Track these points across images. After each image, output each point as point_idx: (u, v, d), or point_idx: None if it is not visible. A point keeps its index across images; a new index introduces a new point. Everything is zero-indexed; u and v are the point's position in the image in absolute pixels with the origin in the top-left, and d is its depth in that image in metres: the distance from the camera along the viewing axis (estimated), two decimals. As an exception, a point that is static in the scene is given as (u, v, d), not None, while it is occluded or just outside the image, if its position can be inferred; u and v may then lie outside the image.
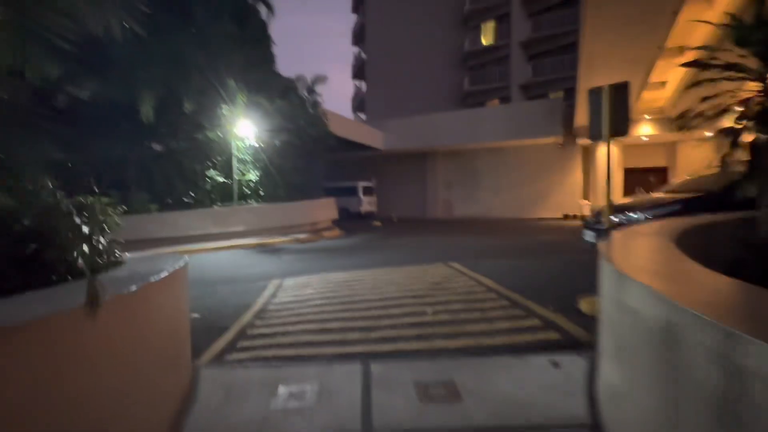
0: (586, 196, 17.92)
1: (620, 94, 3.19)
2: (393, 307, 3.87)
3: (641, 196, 5.52)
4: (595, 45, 10.63)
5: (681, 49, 11.86)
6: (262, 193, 13.11)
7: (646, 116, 15.42)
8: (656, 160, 17.28)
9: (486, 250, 7.78)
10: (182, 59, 10.37)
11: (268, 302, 4.36)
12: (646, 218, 4.58)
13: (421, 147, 20.16)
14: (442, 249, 8.26)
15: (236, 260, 7.98)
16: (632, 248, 2.39)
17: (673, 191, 5.46)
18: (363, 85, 32.08)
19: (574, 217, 16.33)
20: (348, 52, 42.30)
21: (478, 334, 3.05)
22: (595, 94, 3.35)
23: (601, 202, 16.56)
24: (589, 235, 5.44)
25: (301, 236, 11.63)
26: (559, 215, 17.21)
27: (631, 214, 4.92)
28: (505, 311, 3.59)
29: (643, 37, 9.91)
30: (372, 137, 19.27)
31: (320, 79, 14.42)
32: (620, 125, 3.20)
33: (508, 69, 24.86)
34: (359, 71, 32.18)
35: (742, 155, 2.81)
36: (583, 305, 3.46)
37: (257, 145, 12.75)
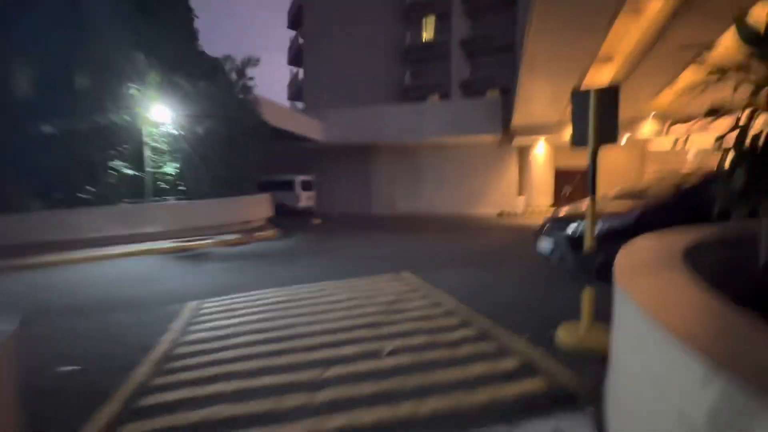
0: (520, 194, 18.66)
1: (608, 98, 2.77)
2: (343, 344, 3.13)
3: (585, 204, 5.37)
4: (538, 47, 10.72)
5: (609, 57, 12.56)
6: (183, 188, 11.40)
7: (576, 119, 16.30)
8: (582, 161, 18.46)
9: (437, 254, 7.37)
10: (67, 20, 8.39)
11: (177, 341, 3.35)
12: (607, 232, 4.34)
13: (363, 140, 19.41)
14: (391, 252, 7.69)
15: (147, 270, 6.59)
16: (656, 284, 1.89)
17: (627, 197, 5.34)
18: (300, 73, 30.29)
19: (510, 214, 16.88)
20: (286, 37, 39.64)
21: (452, 386, 2.44)
22: (580, 97, 2.90)
23: (539, 199, 17.20)
24: (544, 246, 5.16)
25: (230, 237, 10.30)
26: (496, 212, 17.69)
27: (581, 226, 4.63)
28: (477, 346, 3.05)
29: (581, 42, 10.17)
30: (310, 128, 18.06)
31: (252, 61, 12.91)
32: (609, 132, 2.78)
33: (448, 65, 25.03)
34: (296, 57, 30.29)
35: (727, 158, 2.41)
36: (562, 335, 3.04)
37: (176, 133, 11.01)
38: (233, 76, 13.01)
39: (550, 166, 17.71)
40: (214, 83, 11.74)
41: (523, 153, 18.58)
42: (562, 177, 18.49)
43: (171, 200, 11.01)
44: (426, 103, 18.92)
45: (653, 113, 15.61)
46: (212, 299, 4.60)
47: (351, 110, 19.64)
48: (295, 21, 30.62)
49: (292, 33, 31.61)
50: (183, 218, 10.49)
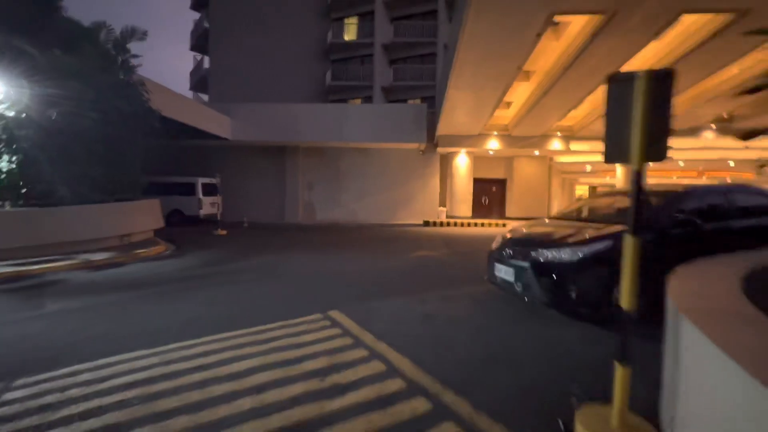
0: (443, 204, 18.70)
1: (661, 89, 1.88)
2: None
3: (551, 225, 4.79)
4: (468, 56, 10.47)
5: (528, 74, 12.98)
6: (26, 190, 8.47)
7: (494, 132, 16.84)
8: (497, 172, 19.30)
9: (369, 278, 6.25)
10: None
11: None
12: (579, 258, 3.72)
13: (278, 140, 17.52)
14: (313, 276, 6.35)
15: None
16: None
17: (584, 217, 4.91)
18: (206, 61, 26.82)
19: (434, 223, 16.68)
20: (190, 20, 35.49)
21: None
22: (620, 85, 1.98)
23: (460, 210, 17.27)
24: (502, 275, 4.41)
25: (98, 257, 7.84)
26: (420, 221, 17.39)
27: (552, 252, 3.95)
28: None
29: (510, 55, 10.14)
30: (216, 123, 15.62)
31: (137, 33, 10.33)
32: (658, 142, 1.90)
33: (371, 69, 24.40)
34: (201, 42, 26.77)
35: None
36: (585, 429, 2.14)
37: (15, 116, 8.11)
38: (110, 49, 10.28)
39: (470, 176, 18.04)
40: (79, 55, 9.01)
41: (446, 162, 18.67)
42: (479, 187, 19.02)
43: (5, 207, 8.06)
44: (349, 105, 17.88)
45: (559, 132, 16.83)
46: (27, 379, 2.80)
47: (264, 106, 17.63)
48: (199, 0, 27.10)
49: (196, 15, 27.92)
50: (22, 231, 7.68)
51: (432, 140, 17.87)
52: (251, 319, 4.13)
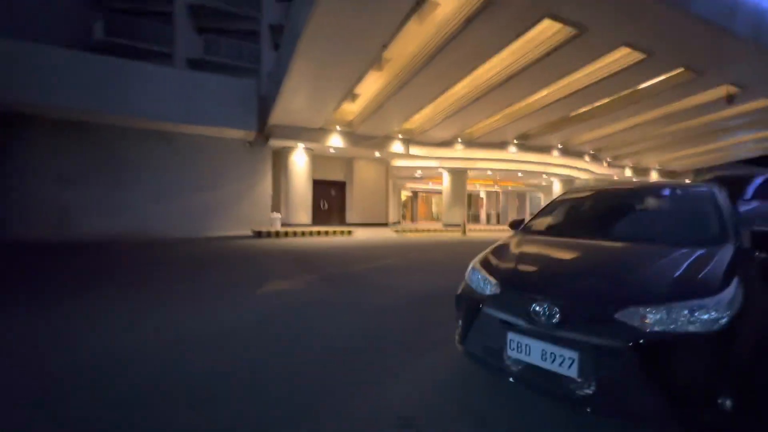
0: (276, 209, 15.40)
1: None
2: None
3: (566, 248, 2.76)
4: (318, 34, 8.08)
5: (381, 66, 11.54)
6: None
7: (338, 127, 14.88)
8: (337, 174, 17.45)
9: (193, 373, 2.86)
10: None
11: None
12: (724, 325, 1.79)
13: (-7, 102, 10.39)
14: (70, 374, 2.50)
15: None
16: None
17: (573, 231, 3.03)
18: None
19: (269, 234, 13.27)
20: None
21: None
22: None
23: (298, 216, 14.40)
24: (541, 353, 2.07)
25: None
26: (249, 231, 13.60)
27: (674, 315, 1.85)
28: None
29: (370, 31, 8.25)
30: None
31: None
32: None
33: (172, 33, 18.51)
34: None
35: None
36: None
37: None
38: None
39: (309, 176, 15.48)
40: None
41: (280, 159, 15.48)
42: (318, 190, 16.71)
43: None
44: (143, 64, 12.36)
45: (400, 135, 16.37)
46: None
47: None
48: None
49: None
50: None
51: (263, 130, 14.42)
52: None
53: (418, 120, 15.70)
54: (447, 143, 17.90)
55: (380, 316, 3.81)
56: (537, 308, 2.03)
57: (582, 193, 3.54)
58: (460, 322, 2.53)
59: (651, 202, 3.02)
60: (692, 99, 13.79)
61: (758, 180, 2.99)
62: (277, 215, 14.69)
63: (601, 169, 22.82)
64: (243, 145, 14.41)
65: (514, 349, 2.09)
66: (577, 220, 3.19)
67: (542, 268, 2.41)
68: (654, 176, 26.54)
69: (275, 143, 14.48)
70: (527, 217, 3.86)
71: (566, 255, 2.54)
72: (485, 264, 2.64)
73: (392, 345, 3.00)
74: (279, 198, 15.52)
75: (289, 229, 13.80)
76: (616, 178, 25.40)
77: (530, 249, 2.75)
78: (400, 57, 10.79)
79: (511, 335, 2.12)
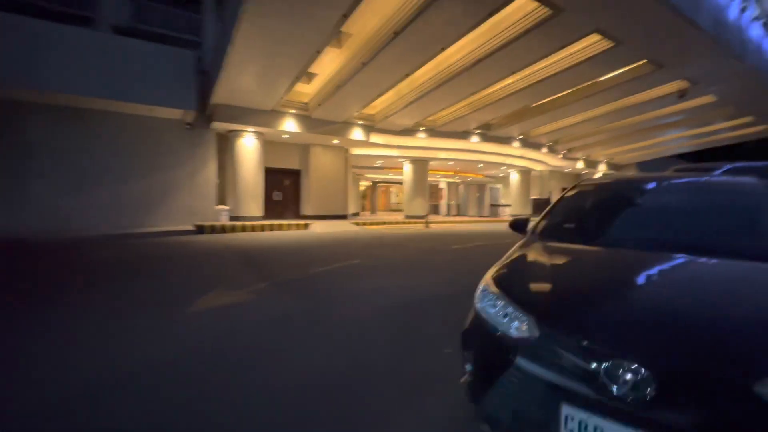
0: (223, 201, 13.82)
1: None
2: None
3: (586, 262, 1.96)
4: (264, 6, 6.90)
5: (340, 42, 10.44)
6: None
7: (292, 111, 13.54)
8: (291, 162, 16.08)
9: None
10: None
11: None
12: None
13: None
14: None
15: None
16: None
17: (606, 238, 2.24)
18: None
19: (214, 229, 11.76)
20: None
21: None
22: None
23: (249, 209, 12.97)
24: None
25: None
26: (191, 226, 11.99)
27: None
28: None
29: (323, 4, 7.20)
30: None
31: None
32: None
33: (91, -8, 15.81)
34: None
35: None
36: None
37: None
38: None
39: (260, 164, 14.03)
40: None
41: (226, 144, 13.84)
42: (270, 179, 15.29)
43: None
44: (52, 24, 10.22)
45: (360, 121, 15.35)
46: None
47: None
48: None
49: None
50: None
51: (204, 111, 12.73)
52: None
53: (379, 105, 14.76)
54: (409, 131, 17.16)
55: (352, 339, 2.93)
56: (613, 371, 1.25)
57: (617, 184, 2.82)
58: (472, 368, 1.72)
59: (735, 197, 2.26)
60: (645, 94, 14.15)
61: (717, 173, 2.82)
62: (223, 208, 13.15)
63: (556, 161, 23.39)
64: (180, 126, 12.62)
65: (573, 430, 1.31)
66: (626, 223, 2.42)
67: (607, 302, 1.61)
68: (603, 168, 27.86)
69: (220, 126, 12.86)
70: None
71: (638, 280, 1.76)
72: (506, 287, 1.83)
73: (375, 387, 2.13)
74: (226, 188, 13.93)
75: (238, 224, 12.37)
76: (568, 170, 26.29)
77: (572, 267, 1.97)
78: (361, 33, 9.77)
79: (567, 409, 1.32)
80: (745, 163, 2.62)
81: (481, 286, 1.95)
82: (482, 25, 8.78)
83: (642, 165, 31.05)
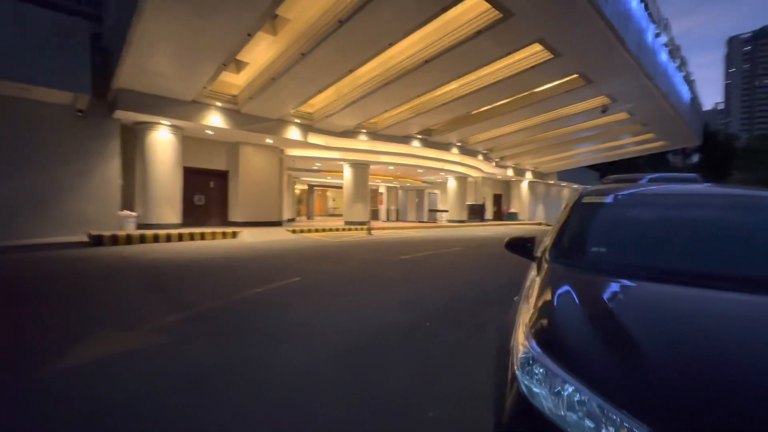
0: (129, 206, 11.62)
1: None
2: None
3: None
4: None
5: (276, 27, 9.30)
6: None
7: (218, 103, 11.89)
8: (217, 162, 14.25)
9: None
10: None
11: None
12: None
13: None
14: None
15: None
16: None
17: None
18: None
19: (115, 240, 9.70)
20: None
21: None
22: None
23: (163, 215, 11.01)
24: None
25: None
26: (85, 237, 9.75)
27: None
28: None
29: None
30: None
31: None
32: None
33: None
34: None
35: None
36: None
37: None
38: None
39: (177, 163, 12.12)
40: None
41: (135, 138, 11.69)
42: (191, 181, 13.37)
43: None
44: None
45: (297, 120, 14.15)
46: None
47: None
48: None
49: None
50: None
51: (105, 96, 10.59)
52: None
53: (319, 103, 13.72)
54: (350, 133, 16.32)
55: (295, 410, 1.98)
56: None
57: (638, 197, 2.30)
58: None
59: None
60: (574, 107, 15.06)
61: (644, 181, 2.93)
62: (129, 214, 11.02)
63: (490, 169, 24.26)
64: (70, 113, 10.28)
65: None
66: (670, 248, 1.82)
67: (746, 391, 0.94)
68: (529, 177, 29.68)
69: (125, 116, 10.78)
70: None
71: (752, 344, 1.13)
72: (571, 357, 1.11)
73: None
74: (134, 191, 11.75)
75: (149, 232, 10.40)
76: (500, 177, 27.52)
77: (655, 322, 1.26)
78: (301, 18, 8.74)
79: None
80: (663, 174, 2.82)
81: (520, 351, 1.21)
82: (432, 23, 8.33)
83: (562, 174, 33.81)
